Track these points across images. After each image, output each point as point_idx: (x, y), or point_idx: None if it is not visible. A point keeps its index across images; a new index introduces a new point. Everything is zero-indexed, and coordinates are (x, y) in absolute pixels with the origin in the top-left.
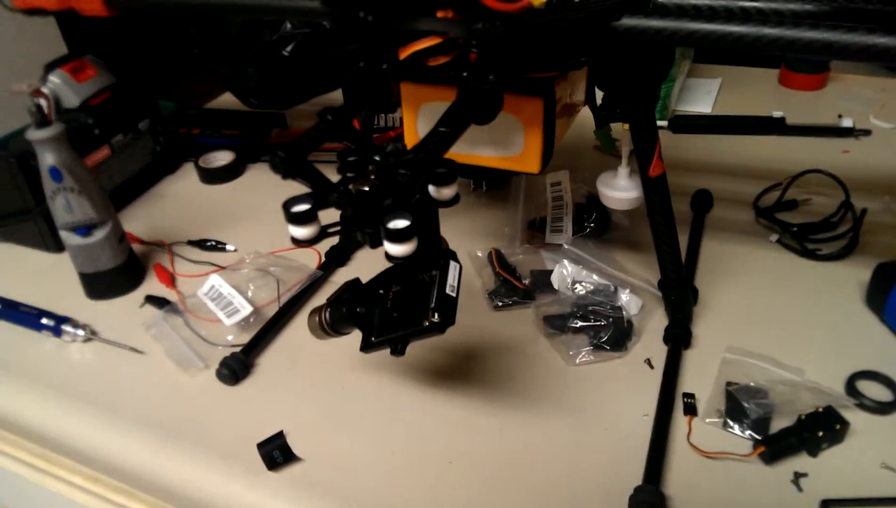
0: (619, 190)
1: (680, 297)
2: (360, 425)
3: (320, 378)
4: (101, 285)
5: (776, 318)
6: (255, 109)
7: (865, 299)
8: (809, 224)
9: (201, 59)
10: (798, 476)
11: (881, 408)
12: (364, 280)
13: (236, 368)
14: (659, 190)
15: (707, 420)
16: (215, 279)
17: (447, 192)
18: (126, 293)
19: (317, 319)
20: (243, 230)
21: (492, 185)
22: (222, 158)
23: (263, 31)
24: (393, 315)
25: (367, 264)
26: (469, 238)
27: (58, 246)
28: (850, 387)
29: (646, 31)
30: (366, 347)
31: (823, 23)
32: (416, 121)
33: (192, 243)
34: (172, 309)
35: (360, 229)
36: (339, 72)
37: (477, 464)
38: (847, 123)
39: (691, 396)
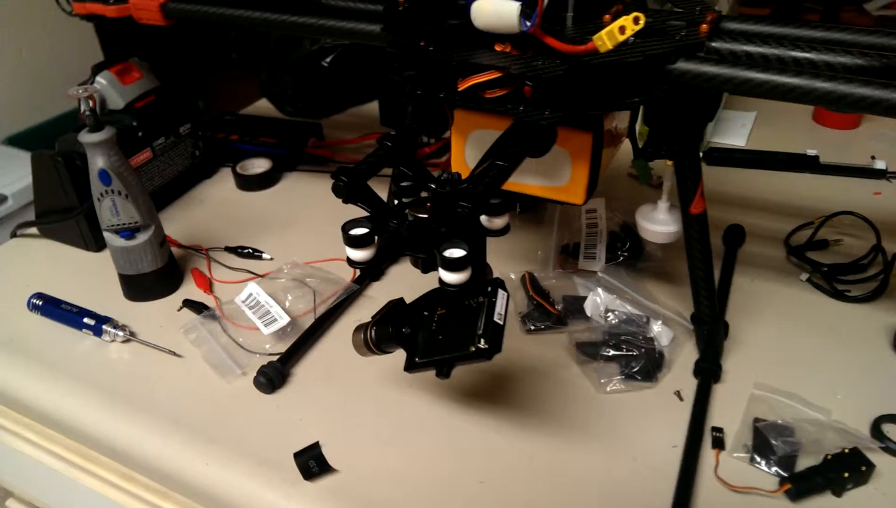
0: (659, 224)
1: (712, 332)
2: (393, 439)
3: (355, 391)
4: (140, 287)
5: (804, 357)
6: (292, 118)
7: (893, 343)
8: (839, 265)
9: (238, 64)
10: None
11: None
12: (398, 297)
13: (273, 376)
14: (699, 227)
15: (734, 455)
16: (253, 288)
17: (499, 222)
18: (164, 296)
19: (362, 336)
20: (279, 239)
21: (525, 208)
22: (259, 165)
23: (303, 40)
24: (438, 338)
25: (399, 280)
26: (501, 260)
27: (98, 245)
28: (876, 430)
29: (700, 76)
30: (410, 367)
31: (875, 80)
32: (465, 146)
33: (229, 249)
34: (210, 315)
35: (414, 254)
36: (376, 85)
37: (508, 486)
38: (880, 165)
39: (720, 430)
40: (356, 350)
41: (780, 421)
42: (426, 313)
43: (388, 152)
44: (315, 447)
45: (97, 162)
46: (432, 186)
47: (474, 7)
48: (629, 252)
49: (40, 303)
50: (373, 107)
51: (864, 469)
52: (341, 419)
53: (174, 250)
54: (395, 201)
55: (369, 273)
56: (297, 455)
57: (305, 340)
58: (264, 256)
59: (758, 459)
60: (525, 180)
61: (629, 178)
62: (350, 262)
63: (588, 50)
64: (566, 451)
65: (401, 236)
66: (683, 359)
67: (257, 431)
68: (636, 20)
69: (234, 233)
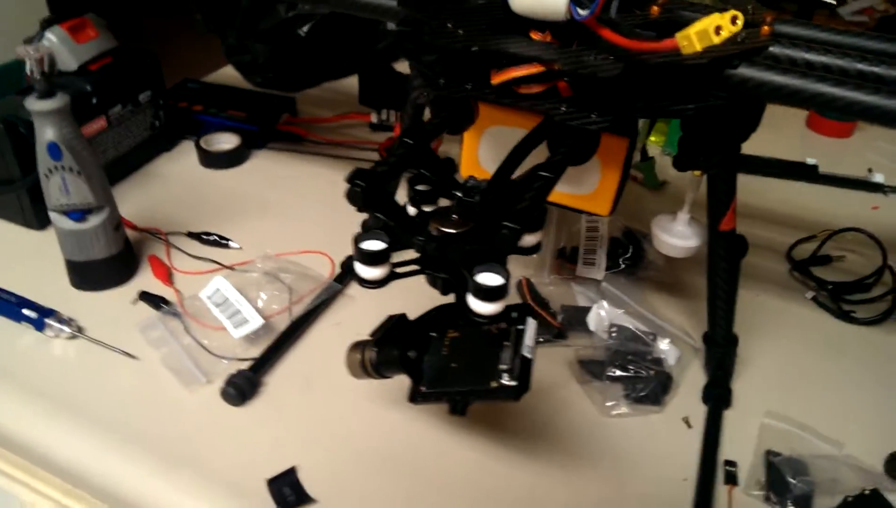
0: (678, 237)
1: (726, 355)
2: (378, 463)
3: (336, 407)
4: (90, 275)
5: (814, 382)
6: (262, 89)
7: None
8: (844, 284)
9: (203, 26)
10: None
11: None
12: (400, 313)
13: (244, 387)
14: (727, 245)
15: (749, 493)
16: (220, 282)
17: (531, 239)
18: (117, 286)
19: (359, 357)
20: (248, 226)
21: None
22: (226, 141)
23: (277, 5)
24: (451, 366)
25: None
26: None
27: (41, 224)
28: (891, 467)
29: (764, 85)
30: (417, 398)
31: None
32: (479, 142)
33: (191, 235)
34: (171, 311)
35: (434, 274)
36: (356, 59)
37: None
38: (878, 178)
39: (732, 464)
40: (350, 372)
41: (794, 456)
42: (434, 335)
43: (409, 151)
44: (291, 473)
45: (46, 133)
46: (457, 193)
47: None
48: (631, 260)
49: None
50: (351, 83)
51: None
52: (321, 438)
53: (129, 232)
54: (414, 209)
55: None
56: (270, 482)
57: (280, 345)
58: (231, 244)
59: (773, 498)
60: None
61: (632, 181)
62: (361, 281)
63: (666, 49)
64: (569, 482)
65: (426, 255)
66: (689, 380)
67: (225, 450)
68: (734, 20)
69: (197, 216)
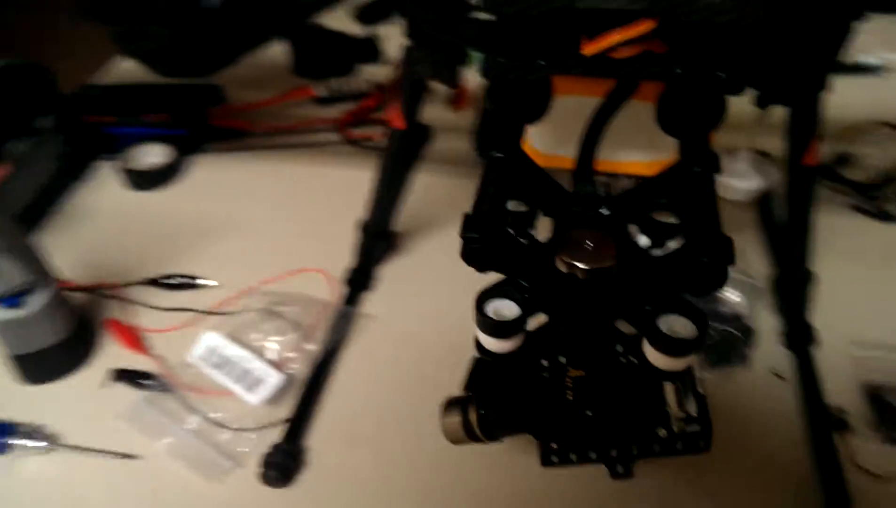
0: (740, 178)
1: (804, 294)
2: None
3: (402, 455)
4: (43, 367)
5: (877, 296)
6: (177, 81)
7: None
8: (877, 184)
9: (75, 15)
10: None
11: None
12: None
13: (286, 463)
14: (811, 181)
15: (865, 437)
16: (212, 339)
17: None
18: (76, 371)
19: (459, 419)
20: (214, 253)
21: None
22: (154, 153)
23: None
24: (585, 413)
25: (401, 282)
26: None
27: None
28: None
29: None
30: (551, 459)
31: None
32: None
33: (151, 282)
34: (158, 386)
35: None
36: (276, 23)
37: None
38: (871, 59)
39: (841, 410)
40: (448, 438)
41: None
42: (545, 371)
43: (504, 167)
44: None
45: None
46: (574, 207)
47: None
48: None
49: None
50: (273, 53)
51: None
52: (395, 498)
53: (71, 296)
54: (522, 239)
55: (359, 283)
56: None
57: (310, 398)
58: (204, 282)
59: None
60: (616, 156)
61: None
62: (483, 351)
63: None
64: (668, 472)
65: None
66: (760, 328)
67: None
68: None
69: (148, 255)
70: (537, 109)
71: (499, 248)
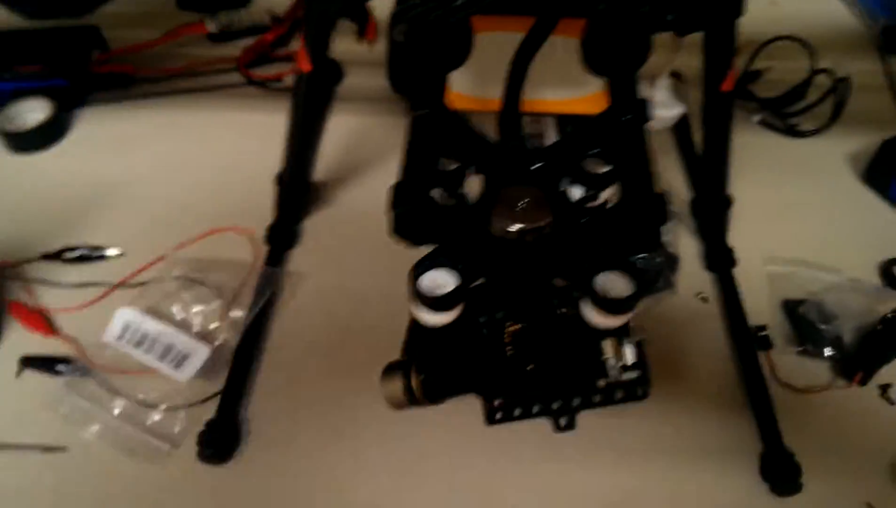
0: (662, 108)
1: (722, 217)
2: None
3: (344, 419)
4: None
5: (788, 212)
6: (49, 24)
7: (863, 175)
8: (782, 98)
9: None
10: (885, 389)
11: None
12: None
13: (225, 439)
14: (729, 107)
15: (786, 352)
16: (127, 315)
17: None
18: None
19: (401, 384)
20: (115, 219)
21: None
22: (33, 109)
23: None
24: (526, 367)
25: (326, 236)
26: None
27: None
28: (889, 278)
29: None
30: (496, 417)
31: None
32: None
33: (47, 257)
34: (76, 370)
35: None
36: None
37: None
38: None
39: (761, 328)
40: (391, 405)
41: (810, 299)
42: (484, 331)
43: (431, 123)
44: None
45: None
46: (505, 160)
47: None
48: None
49: None
50: None
51: None
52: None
53: None
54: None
55: (283, 241)
56: None
57: (243, 369)
58: (108, 252)
59: (811, 350)
60: (538, 95)
61: None
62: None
63: None
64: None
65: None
66: (684, 251)
67: None
68: None
69: (42, 228)
70: (459, 53)
71: (431, 220)
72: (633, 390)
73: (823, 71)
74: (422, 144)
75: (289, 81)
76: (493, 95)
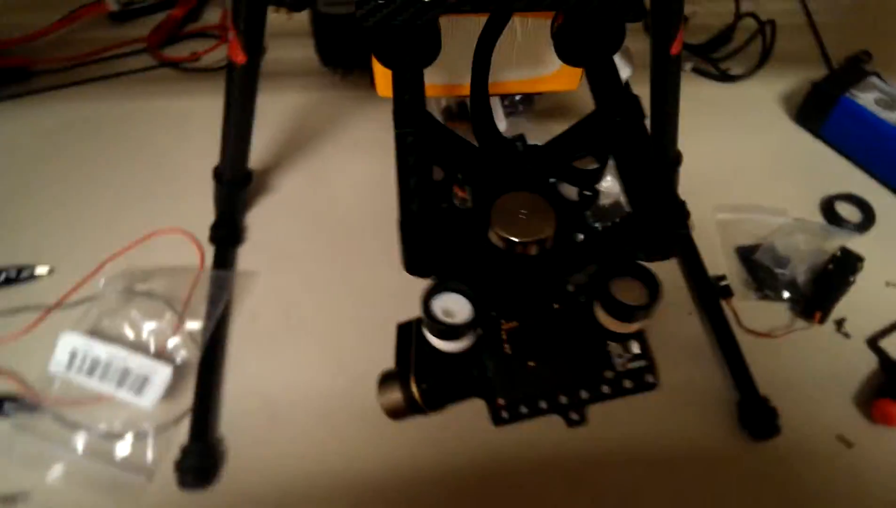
0: None
1: (674, 175)
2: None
3: (333, 428)
4: None
5: (730, 159)
6: None
7: (796, 116)
8: (710, 43)
9: None
10: (840, 324)
11: (859, 227)
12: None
13: (203, 463)
14: (677, 69)
15: (746, 299)
16: (72, 341)
17: None
18: None
19: (401, 396)
20: (37, 232)
21: (350, 65)
22: None
23: None
24: (527, 366)
25: (273, 230)
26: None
27: None
28: (830, 215)
29: None
30: (504, 416)
31: None
32: None
33: None
34: (24, 408)
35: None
36: None
37: None
38: None
39: (721, 278)
40: (389, 416)
41: (762, 244)
42: (479, 331)
43: (420, 136)
44: None
45: None
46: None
47: None
48: (522, 96)
49: None
50: None
51: (859, 264)
52: (326, 476)
53: None
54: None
55: (228, 238)
56: None
57: (208, 385)
58: (37, 271)
59: (770, 294)
60: (504, 77)
61: None
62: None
63: None
64: None
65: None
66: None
67: None
68: None
69: None
70: (430, 50)
71: (446, 256)
72: (642, 378)
73: (750, 15)
74: (414, 165)
75: (207, 60)
76: (460, 80)
